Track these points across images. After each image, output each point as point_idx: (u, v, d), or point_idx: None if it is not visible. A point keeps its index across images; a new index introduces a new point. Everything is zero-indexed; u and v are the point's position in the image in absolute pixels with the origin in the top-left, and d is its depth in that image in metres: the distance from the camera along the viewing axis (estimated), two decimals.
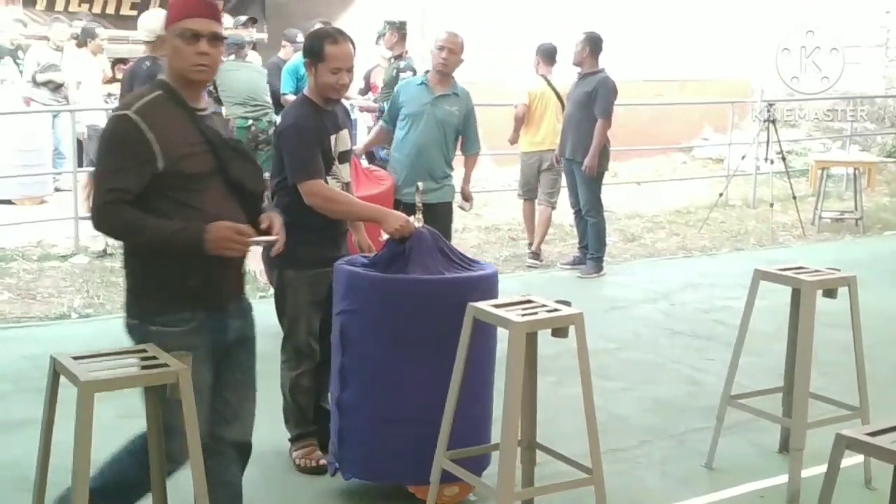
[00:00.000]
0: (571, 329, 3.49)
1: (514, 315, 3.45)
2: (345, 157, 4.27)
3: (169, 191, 2.97)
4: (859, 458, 3.96)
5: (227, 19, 10.70)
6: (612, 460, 4.35)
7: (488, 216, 10.99)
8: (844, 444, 2.42)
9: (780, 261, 8.15)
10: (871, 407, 4.28)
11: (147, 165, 2.92)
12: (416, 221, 3.94)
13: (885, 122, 15.47)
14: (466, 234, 10.03)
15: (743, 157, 11.36)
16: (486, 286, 3.88)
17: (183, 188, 2.98)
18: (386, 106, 8.64)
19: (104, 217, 2.96)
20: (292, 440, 4.34)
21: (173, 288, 3.02)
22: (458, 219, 10.76)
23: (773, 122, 10.76)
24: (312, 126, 4.13)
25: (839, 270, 4.32)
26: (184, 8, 3.03)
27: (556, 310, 3.57)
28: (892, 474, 2.51)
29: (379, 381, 3.82)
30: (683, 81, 13.55)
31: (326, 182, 4.11)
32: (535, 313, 3.52)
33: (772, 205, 10.56)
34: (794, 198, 10.58)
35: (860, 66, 15.91)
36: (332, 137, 4.17)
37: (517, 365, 3.39)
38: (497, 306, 3.58)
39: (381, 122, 6.58)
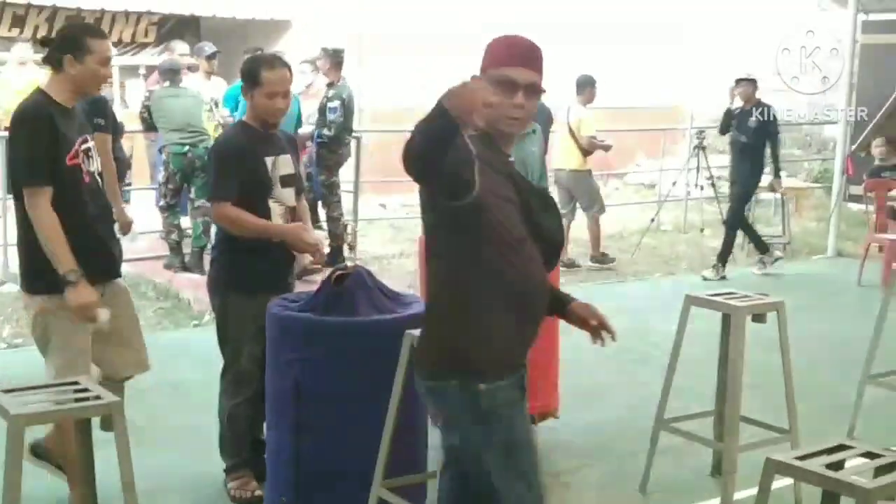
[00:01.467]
0: None
1: None
2: (288, 181, 4.25)
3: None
4: (790, 480, 4.04)
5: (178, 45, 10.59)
6: (548, 484, 4.38)
7: None
8: (774, 467, 2.48)
9: (710, 285, 8.34)
10: (801, 429, 4.38)
11: (469, 166, 2.60)
12: (326, 248, 3.94)
13: (811, 149, 15.87)
14: (404, 260, 10.04)
15: (674, 183, 11.58)
16: None
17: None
18: (318, 132, 8.71)
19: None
20: (227, 470, 4.29)
21: (501, 344, 2.76)
22: (395, 245, 10.83)
23: (703, 148, 10.98)
24: (235, 149, 4.16)
25: (768, 295, 4.42)
26: (507, 56, 2.76)
27: None
28: (821, 497, 2.57)
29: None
30: (617, 109, 13.76)
31: (265, 203, 4.12)
32: None
33: (702, 230, 10.75)
34: (724, 223, 10.77)
35: (788, 93, 16.31)
36: (270, 160, 4.17)
37: None
38: None
39: None
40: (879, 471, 2.38)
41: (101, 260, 3.86)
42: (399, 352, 3.56)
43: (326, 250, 3.92)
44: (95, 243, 3.83)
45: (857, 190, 11.26)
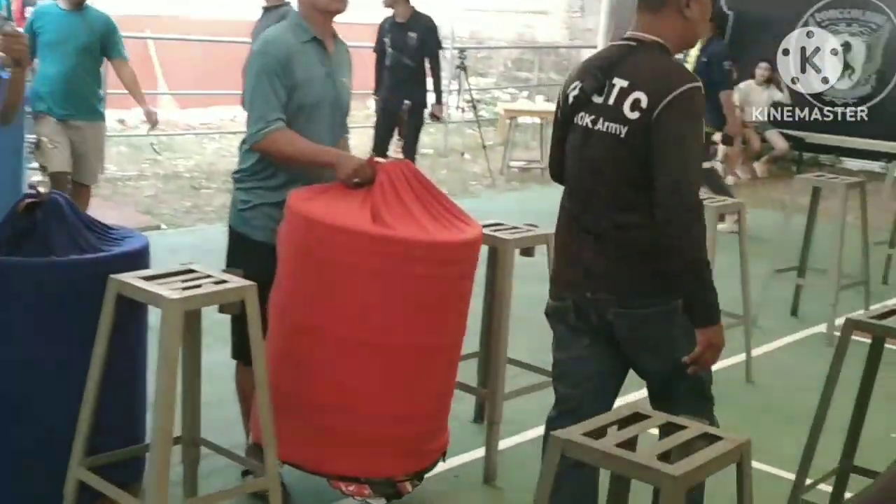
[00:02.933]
0: None
1: (168, 290, 2.81)
2: None
3: None
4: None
5: None
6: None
7: (168, 163, 10.09)
8: (561, 448, 2.00)
9: (472, 211, 7.96)
10: None
11: None
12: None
13: (568, 73, 15.87)
14: (142, 183, 9.11)
15: None
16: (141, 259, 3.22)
17: None
18: None
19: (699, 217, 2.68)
20: None
21: None
22: (133, 165, 9.83)
23: (465, 69, 10.60)
24: None
25: (537, 227, 4.01)
26: None
27: (223, 281, 2.96)
28: (609, 479, 2.15)
29: (33, 396, 3.02)
30: (352, 23, 13.17)
31: None
32: (198, 286, 2.91)
33: (463, 154, 10.43)
34: (485, 147, 10.50)
35: (546, 16, 16.27)
36: None
37: (172, 350, 2.77)
38: (148, 279, 2.92)
39: (279, 123, 3.27)
40: (679, 450, 1.96)
41: None
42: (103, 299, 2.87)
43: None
44: None
45: None
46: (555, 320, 2.92)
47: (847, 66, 11.69)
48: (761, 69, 11.25)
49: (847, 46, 11.65)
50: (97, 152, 6.16)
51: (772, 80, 11.31)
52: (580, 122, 2.81)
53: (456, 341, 3.36)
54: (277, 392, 3.03)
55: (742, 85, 11.24)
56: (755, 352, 5.19)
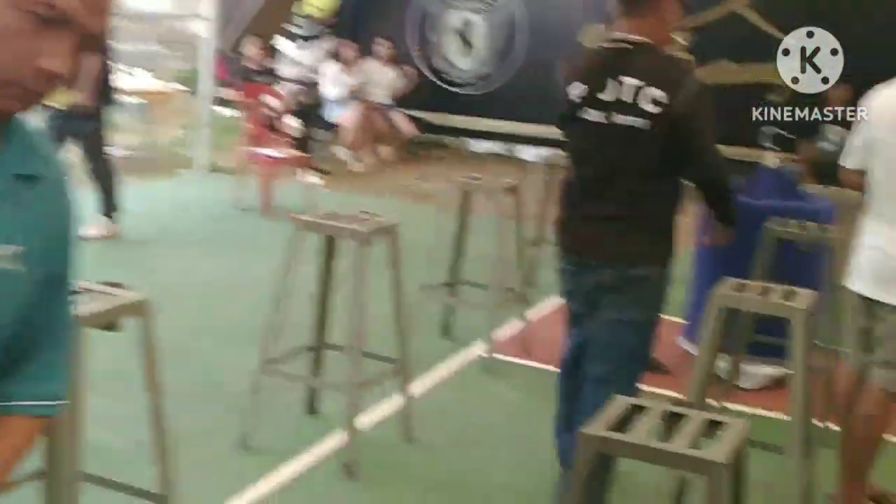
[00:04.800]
0: None
1: None
2: None
3: None
4: None
5: None
6: None
7: None
8: None
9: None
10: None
11: None
12: None
13: (175, 46, 14.33)
14: None
15: None
16: None
17: None
18: None
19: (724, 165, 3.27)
20: None
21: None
22: None
23: None
24: None
25: (120, 286, 2.79)
26: None
27: None
28: None
29: None
30: None
31: None
32: None
33: None
34: None
35: None
36: None
37: None
38: None
39: None
40: None
41: None
42: None
43: None
44: None
45: (225, 93, 10.18)
46: (564, 277, 3.38)
47: (467, 45, 11.34)
48: (383, 47, 10.58)
49: (468, 24, 11.31)
50: None
51: (395, 59, 10.67)
52: (587, 118, 3.16)
53: None
54: None
55: (364, 65, 10.51)
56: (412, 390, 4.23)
